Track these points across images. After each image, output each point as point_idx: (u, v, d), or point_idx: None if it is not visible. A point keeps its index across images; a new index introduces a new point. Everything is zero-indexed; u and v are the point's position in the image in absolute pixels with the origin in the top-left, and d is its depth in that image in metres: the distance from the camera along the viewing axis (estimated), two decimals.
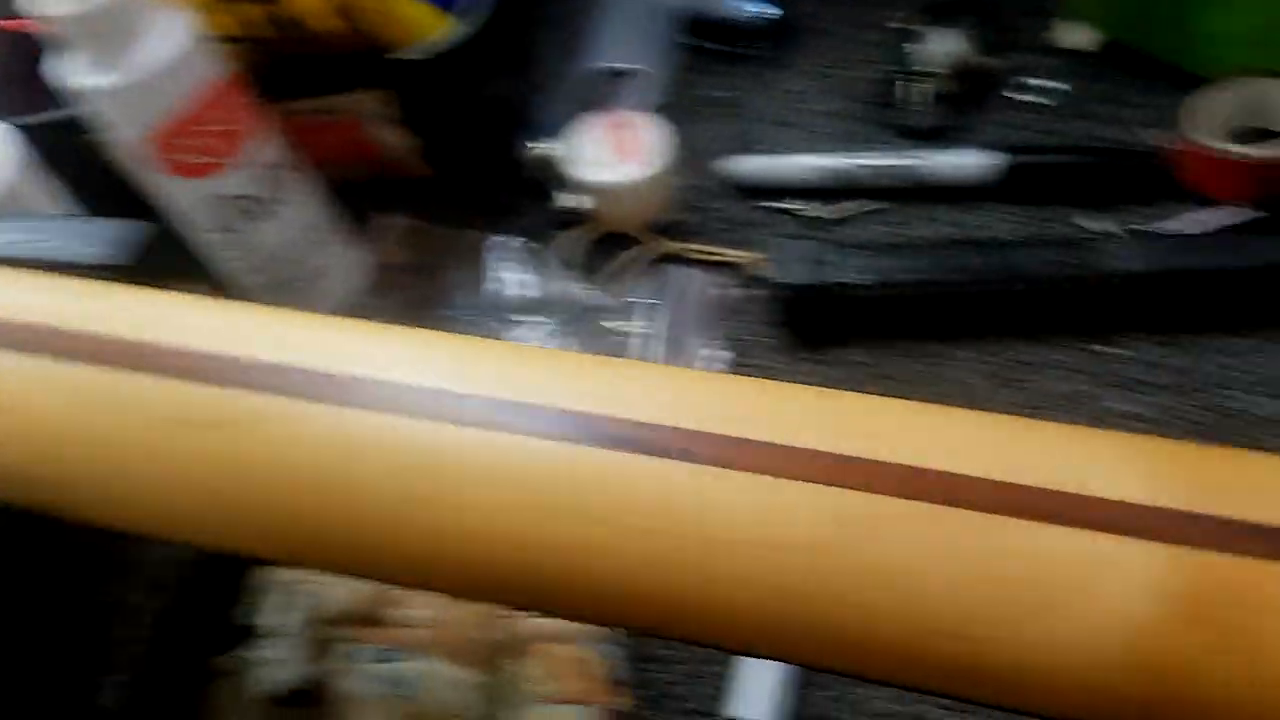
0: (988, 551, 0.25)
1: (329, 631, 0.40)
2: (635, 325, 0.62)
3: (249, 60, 0.63)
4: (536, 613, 0.46)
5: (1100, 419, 0.56)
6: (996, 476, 0.26)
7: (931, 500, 0.25)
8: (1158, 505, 0.25)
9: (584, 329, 0.63)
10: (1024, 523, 0.25)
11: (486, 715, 0.43)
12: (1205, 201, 0.61)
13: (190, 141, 0.55)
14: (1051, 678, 0.25)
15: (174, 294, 0.32)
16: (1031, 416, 0.27)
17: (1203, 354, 0.57)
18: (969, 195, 0.64)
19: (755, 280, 0.64)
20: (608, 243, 0.67)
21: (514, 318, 0.64)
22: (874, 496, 0.25)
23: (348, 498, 0.28)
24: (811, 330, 0.62)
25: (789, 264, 0.60)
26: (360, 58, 0.64)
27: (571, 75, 0.70)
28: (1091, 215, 0.62)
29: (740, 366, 0.62)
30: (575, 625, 0.49)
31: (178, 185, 0.56)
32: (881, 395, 0.27)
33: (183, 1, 0.55)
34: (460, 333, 0.31)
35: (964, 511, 0.25)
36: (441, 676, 0.41)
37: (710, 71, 0.74)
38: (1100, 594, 0.24)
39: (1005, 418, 0.28)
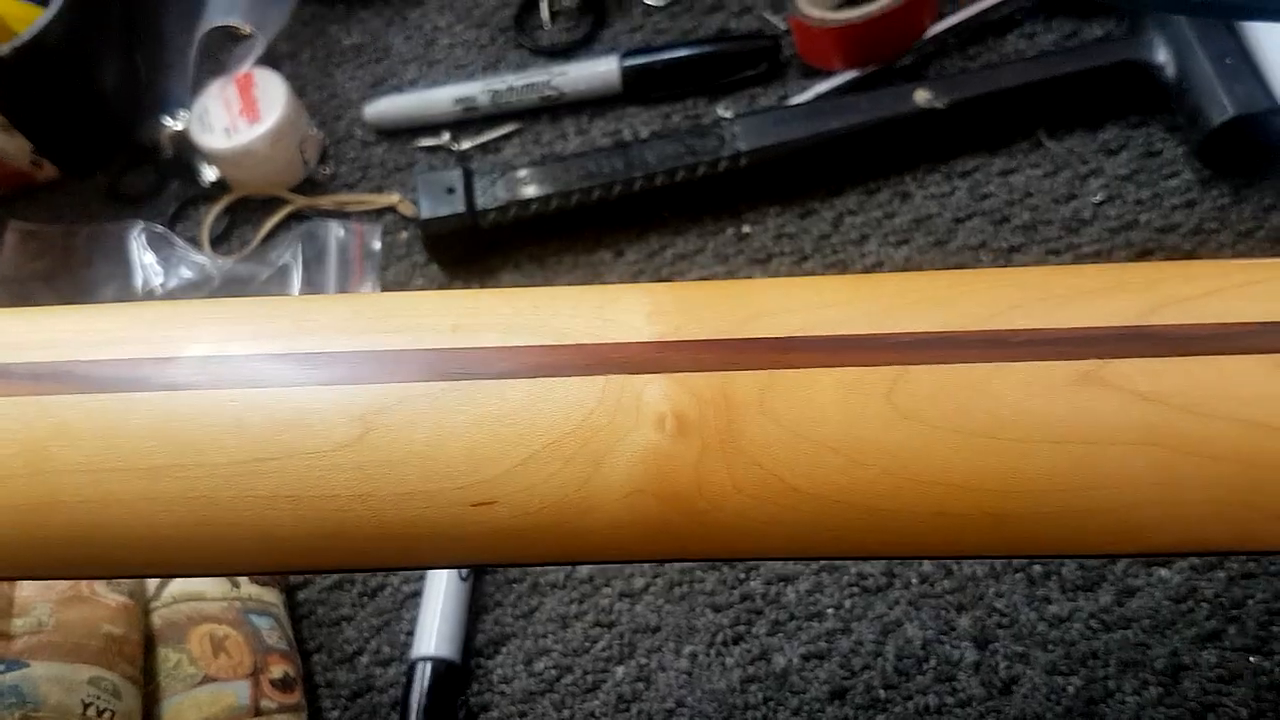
0: (502, 416, 0.25)
1: None
2: (282, 288, 0.60)
3: None
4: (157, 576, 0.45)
5: None
6: (508, 342, 0.26)
7: (447, 378, 0.26)
8: (658, 340, 0.26)
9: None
10: (539, 381, 0.26)
11: (131, 708, 0.41)
12: (820, 74, 0.62)
13: None
14: (583, 522, 0.25)
15: None
16: None
17: (837, 217, 0.59)
18: (604, 105, 0.65)
19: (407, 221, 0.63)
20: (252, 210, 0.64)
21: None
22: (394, 386, 0.26)
23: None
24: (464, 261, 0.61)
25: (427, 199, 0.59)
26: None
27: (190, 44, 0.66)
28: (716, 103, 0.63)
29: None
30: (230, 601, 0.47)
31: None
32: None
33: None
34: None
35: (482, 382, 0.26)
36: (63, 679, 0.39)
37: (345, 18, 0.72)
38: (611, 432, 0.25)
39: (524, 290, 0.28)
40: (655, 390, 0.25)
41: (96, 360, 0.27)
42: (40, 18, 0.60)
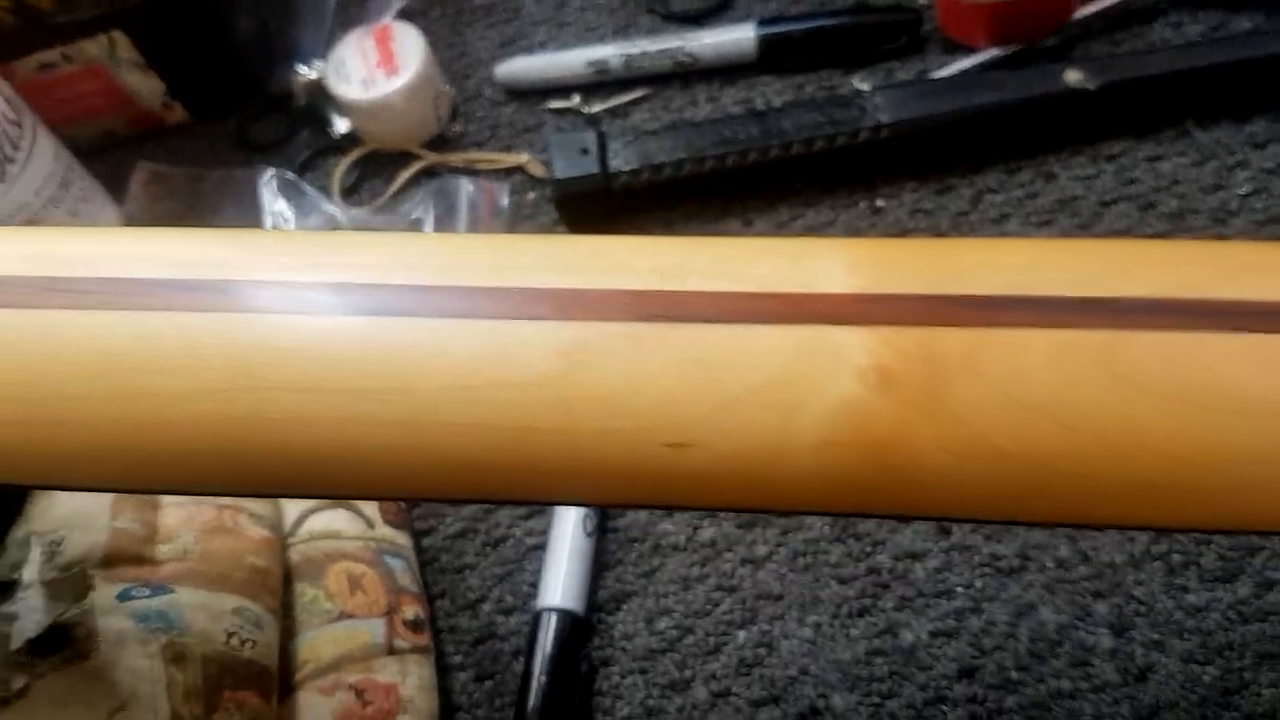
0: (706, 360, 0.25)
1: (74, 576, 0.38)
2: None
3: None
4: (300, 495, 0.45)
5: None
6: (711, 288, 0.26)
7: (652, 319, 0.26)
8: (858, 292, 0.26)
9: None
10: (738, 327, 0.25)
11: (271, 639, 0.42)
12: (963, 49, 0.62)
13: None
14: (773, 471, 0.25)
15: None
16: None
17: (977, 194, 0.58)
18: (737, 72, 0.64)
19: (535, 181, 0.63)
20: (383, 162, 0.65)
21: None
22: (598, 324, 0.26)
23: (48, 401, 0.27)
24: (594, 223, 0.61)
25: (561, 159, 0.59)
26: (93, 1, 0.61)
27: None
28: (852, 75, 0.62)
29: None
30: (366, 541, 0.48)
31: None
32: None
33: None
34: None
35: (683, 325, 0.26)
36: (208, 606, 0.40)
37: None
38: (812, 383, 0.25)
39: (719, 239, 0.28)
40: (857, 342, 0.25)
41: (305, 282, 0.27)
42: None
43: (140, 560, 0.40)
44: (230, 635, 0.40)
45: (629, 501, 0.28)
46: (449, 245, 0.29)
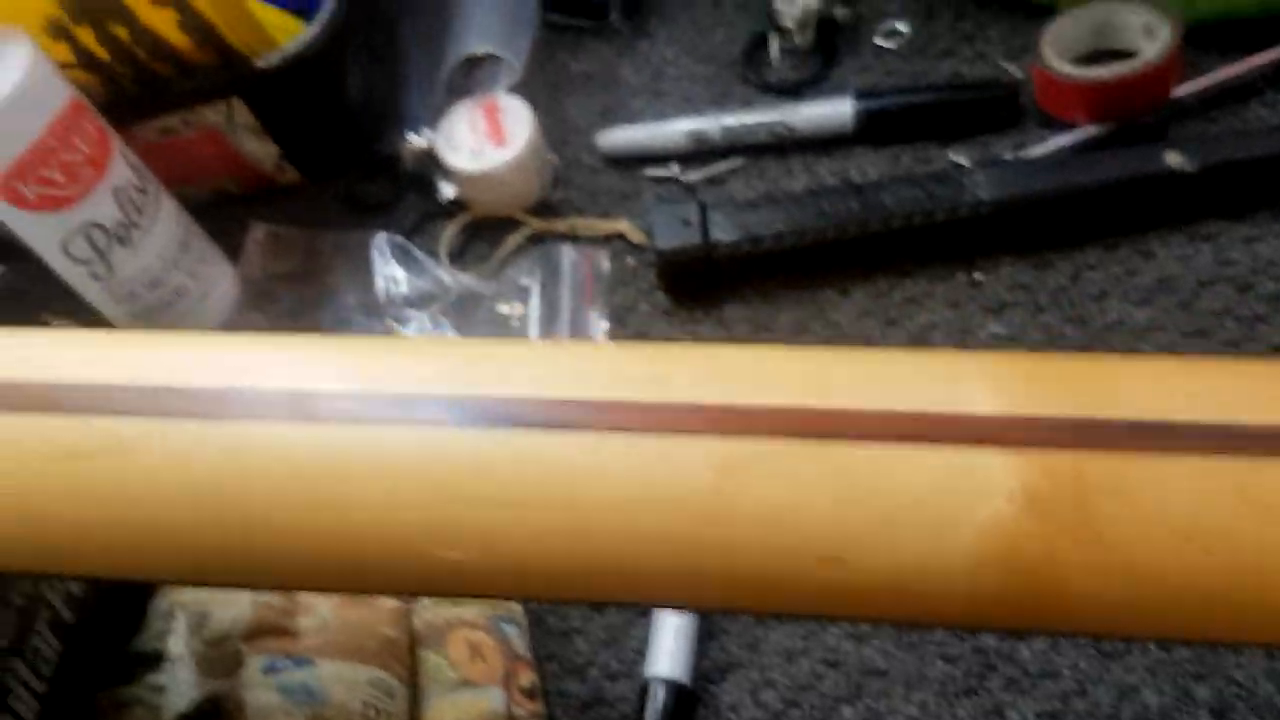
0: (856, 478, 0.26)
1: (225, 649, 0.40)
2: (520, 307, 0.62)
3: (97, 85, 0.62)
4: (455, 597, 0.47)
5: (985, 346, 0.58)
6: (860, 407, 0.27)
7: (804, 437, 0.27)
8: (1005, 414, 0.27)
9: (472, 317, 0.63)
10: (887, 446, 0.27)
11: (402, 709, 0.44)
12: (1060, 126, 0.63)
13: (40, 174, 0.54)
14: (922, 588, 0.26)
15: (31, 329, 0.32)
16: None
17: (1076, 271, 0.59)
18: (833, 144, 0.66)
19: (633, 249, 0.65)
20: (488, 228, 0.67)
21: (402, 314, 0.64)
22: (750, 440, 0.27)
23: (224, 511, 0.29)
24: (692, 292, 0.63)
25: (663, 229, 0.61)
26: (213, 69, 0.63)
27: (437, 65, 0.69)
28: (950, 149, 0.64)
29: (624, 334, 0.62)
30: (483, 608, 0.49)
31: (30, 220, 0.55)
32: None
33: (23, 29, 0.54)
34: (347, 334, 0.32)
35: (833, 443, 0.27)
36: (346, 678, 0.41)
37: (575, 47, 0.74)
38: (962, 503, 0.26)
39: (864, 350, 0.29)
40: (1006, 464, 0.26)
41: (499, 397, 0.28)
42: (304, 33, 0.64)
43: (282, 633, 0.42)
44: (366, 706, 0.42)
45: (779, 611, 0.29)
46: (605, 357, 0.30)
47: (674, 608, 0.44)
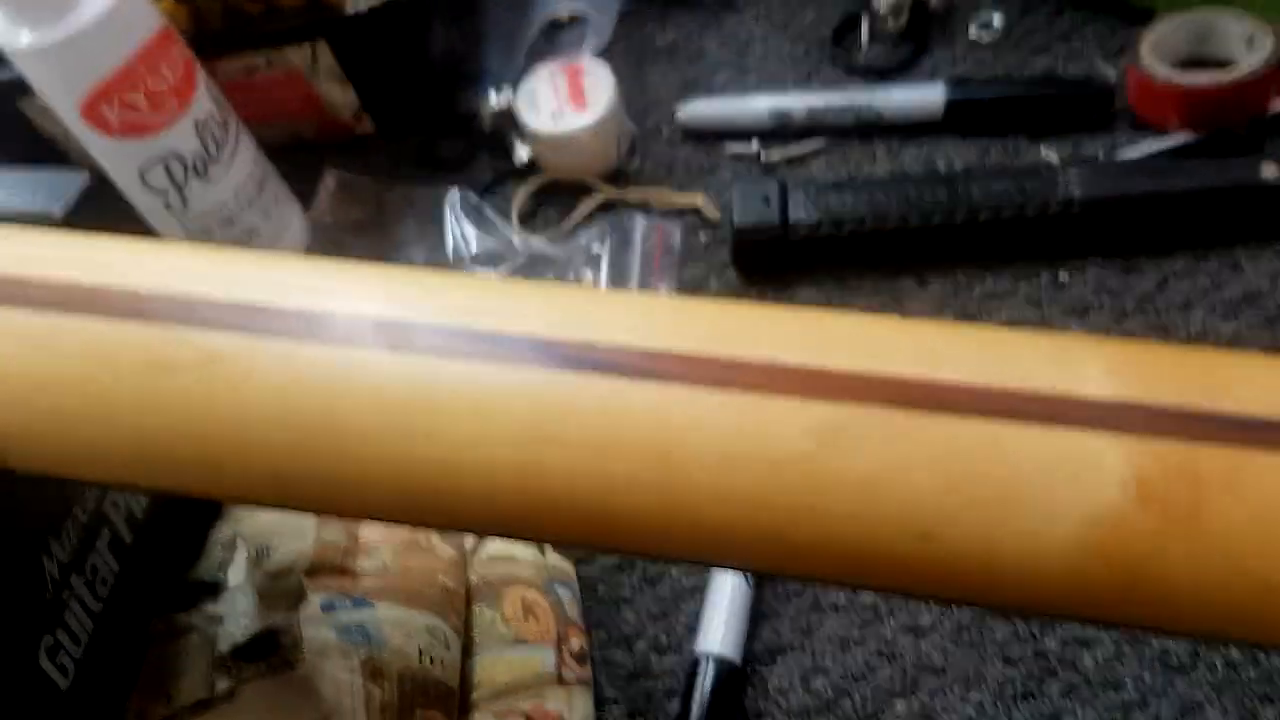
0: (961, 454, 0.25)
1: (288, 583, 0.39)
2: (588, 274, 0.62)
3: (185, 17, 0.62)
4: (519, 538, 0.46)
5: None
6: (970, 381, 0.26)
7: (908, 407, 0.26)
8: (1119, 400, 0.26)
9: (539, 279, 0.63)
10: (996, 423, 0.26)
11: (455, 660, 0.43)
12: (1152, 129, 0.61)
13: (125, 99, 0.53)
14: (1019, 571, 0.25)
15: (118, 238, 0.31)
16: None
17: (1162, 278, 0.58)
18: (920, 131, 0.64)
19: (707, 223, 0.64)
20: (561, 192, 0.66)
21: (470, 272, 0.63)
22: (852, 407, 0.26)
23: (312, 434, 0.28)
24: (764, 271, 0.62)
25: (741, 205, 0.60)
26: (300, 10, 0.63)
27: (519, 24, 0.69)
28: (1039, 145, 0.62)
29: None
30: (538, 569, 0.49)
31: (111, 145, 0.55)
32: None
33: None
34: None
35: (940, 416, 0.26)
36: (404, 623, 0.41)
37: (662, 17, 0.74)
38: (1066, 487, 0.25)
39: (974, 326, 0.28)
40: (1118, 451, 0.25)
41: (593, 342, 0.28)
42: None
43: (343, 572, 0.42)
44: (422, 653, 0.41)
45: (868, 584, 0.28)
46: (706, 312, 0.29)
47: (753, 571, 0.43)
